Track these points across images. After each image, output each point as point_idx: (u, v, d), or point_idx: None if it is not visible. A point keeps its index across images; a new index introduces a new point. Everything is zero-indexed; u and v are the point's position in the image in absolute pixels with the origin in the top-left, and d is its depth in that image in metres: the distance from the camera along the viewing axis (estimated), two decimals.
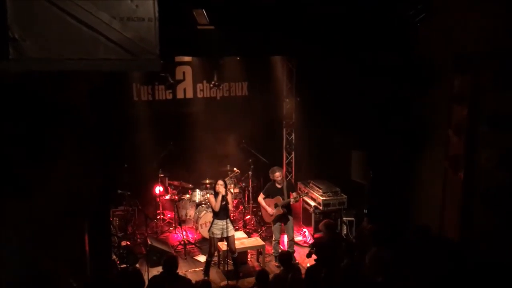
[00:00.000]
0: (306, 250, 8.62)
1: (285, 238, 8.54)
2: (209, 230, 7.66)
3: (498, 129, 6.33)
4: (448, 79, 6.95)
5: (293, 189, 8.54)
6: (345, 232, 8.93)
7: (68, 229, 4.93)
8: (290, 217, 8.25)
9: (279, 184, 8.17)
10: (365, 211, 8.35)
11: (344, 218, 9.03)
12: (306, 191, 9.28)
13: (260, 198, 8.32)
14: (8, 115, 4.56)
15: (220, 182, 7.48)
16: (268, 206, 8.19)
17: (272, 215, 8.16)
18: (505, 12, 5.97)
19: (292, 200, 8.14)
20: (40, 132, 4.83)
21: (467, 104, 6.71)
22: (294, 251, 8.33)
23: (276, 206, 8.14)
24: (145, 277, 6.28)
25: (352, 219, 8.97)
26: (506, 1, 5.99)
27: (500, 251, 6.30)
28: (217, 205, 7.38)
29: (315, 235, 9.06)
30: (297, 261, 8.17)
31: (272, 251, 8.34)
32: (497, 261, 6.20)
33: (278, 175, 8.14)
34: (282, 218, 8.19)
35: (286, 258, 6.32)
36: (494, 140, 6.40)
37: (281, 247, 8.41)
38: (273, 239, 8.35)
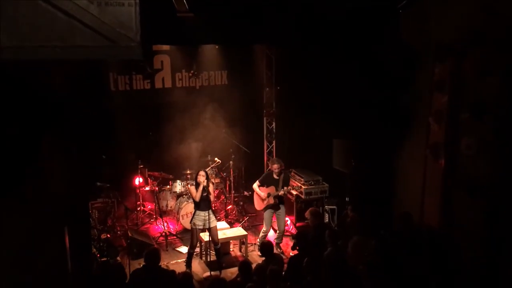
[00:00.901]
0: (289, 239, 8.67)
1: (271, 233, 8.52)
2: (191, 221, 7.57)
3: (478, 117, 6.37)
4: (429, 67, 6.95)
5: (288, 184, 8.48)
6: (327, 220, 8.96)
7: (47, 224, 4.78)
8: (282, 207, 8.23)
9: (276, 175, 8.13)
10: (347, 199, 8.38)
11: (326, 206, 9.06)
12: (298, 185, 9.22)
13: (255, 185, 8.28)
14: None
15: (202, 172, 7.39)
16: (261, 192, 8.15)
17: (264, 201, 8.12)
18: (486, 2, 5.97)
19: (281, 192, 8.10)
20: (13, 125, 4.65)
21: (447, 92, 6.73)
22: (281, 242, 8.32)
23: (268, 195, 8.12)
24: (127, 270, 6.20)
25: (334, 207, 9.02)
26: None
27: (480, 238, 6.38)
28: (197, 195, 7.29)
29: (298, 224, 9.07)
30: (281, 250, 8.17)
31: (257, 241, 8.30)
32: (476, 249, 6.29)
33: (276, 167, 8.11)
34: (273, 207, 8.17)
35: (267, 248, 6.30)
36: (474, 127, 6.44)
37: (268, 238, 8.37)
38: (262, 229, 8.30)
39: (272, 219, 8.31)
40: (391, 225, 7.21)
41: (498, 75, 6.04)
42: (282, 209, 8.23)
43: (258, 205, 8.35)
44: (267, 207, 8.16)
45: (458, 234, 6.64)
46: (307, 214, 7.37)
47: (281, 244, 8.34)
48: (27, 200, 4.64)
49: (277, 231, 8.34)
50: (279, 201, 8.16)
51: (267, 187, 8.16)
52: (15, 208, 4.59)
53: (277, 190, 8.07)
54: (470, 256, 6.18)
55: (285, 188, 8.09)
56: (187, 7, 5.88)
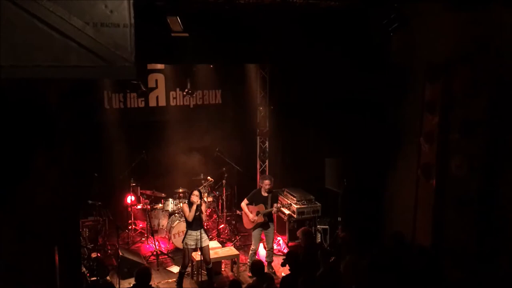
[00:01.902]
0: (281, 259, 8.62)
1: (261, 248, 8.47)
2: (183, 241, 7.53)
3: (468, 136, 6.46)
4: (420, 88, 7.06)
5: (277, 201, 8.49)
6: (319, 240, 8.94)
7: (37, 242, 4.75)
8: (271, 224, 8.21)
9: (265, 192, 8.12)
10: (339, 219, 8.39)
11: (318, 226, 9.05)
12: (287, 202, 9.24)
13: (243, 204, 8.24)
14: None
15: (195, 192, 7.38)
16: (250, 213, 8.13)
17: (253, 222, 8.10)
18: (473, 21, 6.11)
19: (274, 209, 8.11)
20: (5, 142, 4.65)
21: (438, 112, 6.83)
22: (272, 261, 8.27)
23: (258, 213, 8.10)
24: None
25: (326, 227, 9.00)
26: (475, 12, 6.14)
27: (471, 255, 6.41)
28: (190, 215, 7.27)
29: (290, 244, 9.04)
30: (273, 271, 8.13)
31: (248, 260, 8.26)
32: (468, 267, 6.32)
33: (267, 183, 8.10)
34: (263, 225, 8.14)
35: (258, 268, 6.26)
36: (464, 147, 6.53)
37: (258, 256, 8.33)
38: (251, 248, 8.27)
39: (261, 237, 8.27)
40: (383, 244, 7.21)
41: (487, 95, 6.15)
42: (271, 227, 8.21)
43: (247, 223, 8.32)
44: (256, 225, 8.14)
45: (450, 252, 6.67)
46: (298, 233, 7.36)
47: (273, 264, 8.29)
48: (16, 218, 4.61)
49: (267, 249, 8.29)
50: (268, 219, 8.14)
51: (255, 205, 8.15)
52: (4, 225, 4.56)
53: (266, 208, 8.06)
54: (462, 273, 6.20)
55: (275, 205, 8.09)
56: (182, 27, 5.96)
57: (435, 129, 6.90)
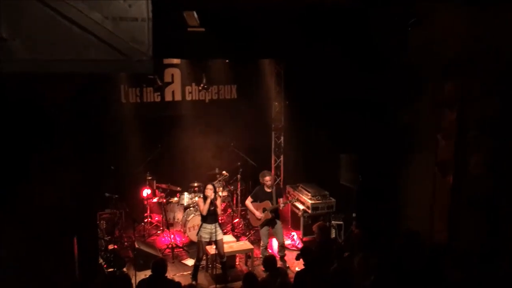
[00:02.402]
0: (295, 254, 8.64)
1: (274, 242, 8.51)
2: (197, 234, 7.60)
3: (486, 134, 6.38)
4: (437, 84, 6.98)
5: (281, 195, 8.53)
6: (333, 236, 8.93)
7: (56, 233, 4.84)
8: (278, 221, 8.23)
9: (268, 188, 8.14)
10: (354, 215, 8.36)
11: (332, 221, 9.03)
12: (296, 197, 9.26)
13: (248, 202, 8.29)
14: None
15: (209, 186, 7.43)
16: (256, 210, 8.15)
17: (260, 219, 8.13)
18: (492, 17, 6.03)
19: (281, 205, 8.13)
20: (25, 137, 4.74)
21: (455, 109, 6.75)
22: (285, 255, 8.30)
23: (264, 210, 8.11)
24: (133, 282, 6.22)
25: (341, 222, 8.99)
26: (492, 7, 6.05)
27: (487, 256, 6.34)
28: (205, 208, 7.33)
29: (304, 239, 9.05)
30: (287, 265, 8.15)
31: (260, 255, 8.29)
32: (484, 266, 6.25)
33: (268, 179, 8.13)
34: (270, 222, 8.17)
35: (270, 262, 6.27)
36: (482, 145, 6.44)
37: (269, 251, 8.37)
38: (261, 244, 8.31)
39: (269, 233, 8.29)
40: (398, 242, 7.17)
41: (502, 92, 6.07)
42: (278, 223, 8.23)
43: (254, 221, 8.36)
44: (264, 223, 8.16)
45: (466, 251, 6.61)
46: (314, 228, 7.36)
47: (286, 258, 8.30)
48: (36, 210, 4.70)
49: (278, 245, 8.30)
50: (275, 215, 8.15)
51: (260, 202, 8.17)
52: (24, 217, 4.66)
53: (272, 204, 8.08)
54: (479, 273, 6.14)
55: (280, 200, 8.10)
56: (198, 22, 5.98)
57: (452, 125, 6.82)
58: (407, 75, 7.38)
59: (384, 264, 5.87)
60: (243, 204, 9.95)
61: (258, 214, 8.12)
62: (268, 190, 8.14)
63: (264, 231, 8.22)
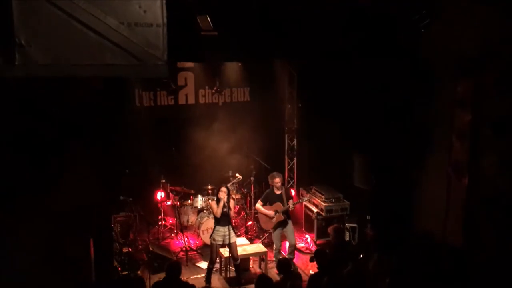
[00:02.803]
0: (309, 257, 8.63)
1: (287, 244, 8.51)
2: (210, 237, 7.62)
3: (501, 134, 6.31)
4: (451, 84, 6.93)
5: (290, 196, 8.54)
6: (347, 239, 8.89)
7: (73, 235, 4.90)
8: (289, 221, 8.24)
9: (278, 190, 8.15)
10: (368, 217, 8.32)
11: (346, 224, 8.99)
12: (307, 196, 9.26)
13: (258, 205, 8.31)
14: (7, 122, 4.55)
15: (223, 188, 7.46)
16: (268, 211, 8.16)
17: (272, 220, 8.13)
18: (507, 16, 5.97)
19: (291, 206, 8.14)
20: (42, 140, 4.81)
21: (470, 109, 6.68)
22: (294, 257, 8.29)
23: (276, 212, 8.12)
24: (147, 284, 6.26)
25: (355, 225, 8.94)
26: (507, 5, 6.00)
27: (504, 258, 6.27)
28: (218, 211, 7.35)
29: (318, 241, 9.03)
30: (298, 268, 8.14)
31: (274, 259, 8.29)
32: (500, 268, 6.18)
33: (278, 180, 8.15)
34: (281, 224, 8.18)
35: (284, 265, 6.27)
36: (497, 145, 6.38)
37: (283, 254, 8.36)
38: (274, 248, 8.31)
39: (281, 236, 8.28)
40: (413, 244, 7.12)
41: None
42: (290, 224, 8.24)
43: (266, 224, 8.36)
44: (276, 225, 8.16)
45: (482, 253, 6.54)
46: (330, 230, 7.33)
47: (299, 260, 8.29)
48: (55, 213, 4.77)
49: (289, 246, 8.30)
50: (286, 216, 8.16)
51: (270, 205, 8.17)
52: (41, 218, 4.73)
53: (283, 205, 8.08)
54: (494, 275, 6.07)
55: (290, 201, 8.11)
56: (211, 26, 6.02)
57: (467, 125, 6.76)
58: (422, 74, 7.35)
59: (400, 265, 5.84)
60: None
61: (271, 213, 8.12)
62: (278, 192, 8.16)
63: (276, 234, 8.23)
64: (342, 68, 8.18)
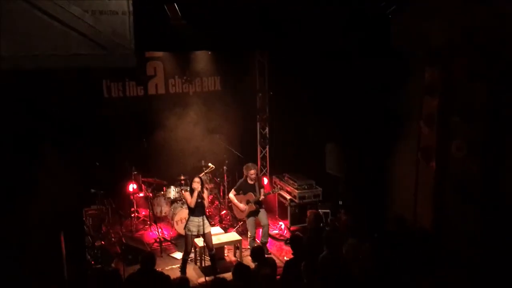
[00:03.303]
0: (283, 243, 8.72)
1: (261, 231, 8.57)
2: (185, 227, 7.59)
3: (468, 120, 6.47)
4: (420, 71, 7.04)
5: (262, 186, 8.59)
6: (321, 224, 8.99)
7: (42, 229, 4.80)
8: (263, 210, 8.32)
9: (251, 180, 8.20)
10: (340, 203, 8.44)
11: (319, 210, 9.08)
12: (279, 186, 9.31)
13: (232, 195, 8.34)
14: None
15: (196, 179, 7.42)
16: (239, 203, 8.21)
17: (243, 212, 8.20)
18: (475, 4, 6.09)
19: (262, 196, 8.20)
20: (8, 133, 4.68)
21: (438, 96, 6.82)
22: (267, 242, 8.37)
23: (248, 202, 8.17)
24: (122, 277, 6.19)
25: (328, 211, 9.05)
26: None
27: (472, 239, 6.46)
28: (192, 201, 7.32)
29: (291, 228, 9.11)
30: (269, 252, 8.22)
31: (248, 246, 8.33)
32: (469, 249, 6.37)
33: (253, 172, 8.19)
34: (254, 213, 8.23)
35: (257, 253, 6.30)
36: (464, 130, 6.54)
37: (258, 241, 8.41)
38: (248, 235, 8.35)
39: (255, 223, 8.34)
40: (385, 228, 7.26)
41: (487, 78, 6.15)
42: (263, 212, 8.31)
43: (239, 213, 8.43)
44: (249, 214, 8.23)
45: (451, 235, 6.72)
46: (309, 214, 7.38)
47: (274, 247, 8.37)
48: (23, 207, 4.66)
49: (262, 229, 8.36)
50: (259, 205, 8.23)
51: (244, 194, 8.23)
52: (10, 213, 4.62)
53: (255, 195, 8.14)
54: (464, 257, 6.26)
55: (262, 191, 8.18)
56: (180, 15, 5.93)
57: (435, 112, 6.90)
58: (391, 62, 7.44)
59: (373, 250, 5.94)
60: None
61: (242, 206, 8.21)
62: (251, 182, 8.21)
63: (250, 221, 8.28)
64: (313, 56, 8.20)
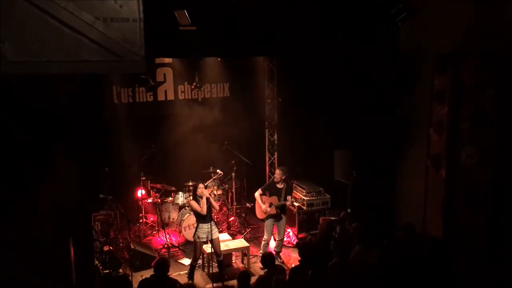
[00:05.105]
0: (291, 251, 8.68)
1: (272, 239, 8.54)
2: (194, 235, 7.57)
3: (478, 126, 6.44)
4: (429, 78, 7.02)
5: (291, 193, 8.51)
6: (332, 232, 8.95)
7: (52, 235, 4.82)
8: (284, 217, 8.26)
9: (279, 184, 8.15)
10: (349, 210, 8.39)
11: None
12: (292, 200, 9.26)
13: (257, 194, 8.27)
14: None
15: (201, 185, 7.42)
16: (263, 203, 8.16)
17: (265, 213, 8.15)
18: (483, 11, 6.07)
19: (288, 202, 8.17)
20: (18, 138, 4.72)
21: (447, 103, 6.79)
22: (281, 251, 8.33)
23: (271, 205, 8.13)
24: None
25: (336, 218, 9.00)
26: (484, 1, 6.10)
27: (482, 246, 6.40)
28: (203, 208, 7.30)
29: (299, 235, 9.07)
30: (281, 260, 8.17)
31: (260, 251, 8.29)
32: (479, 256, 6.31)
33: (277, 172, 8.21)
34: (275, 216, 8.18)
35: (268, 259, 6.28)
36: (474, 137, 6.50)
37: (270, 248, 8.38)
38: (263, 238, 8.30)
39: (273, 227, 8.31)
40: (394, 235, 7.22)
41: (496, 84, 6.12)
42: (283, 218, 8.25)
43: (259, 213, 8.36)
44: (269, 216, 8.18)
45: (460, 243, 6.66)
46: (322, 222, 7.36)
47: (282, 254, 8.34)
48: (31, 211, 4.68)
49: (277, 239, 8.33)
50: (281, 211, 8.17)
51: (269, 195, 8.18)
52: (20, 218, 4.64)
53: (279, 200, 8.09)
54: (472, 265, 6.20)
55: (288, 197, 8.13)
56: (189, 21, 5.97)
57: (444, 119, 6.87)
58: (401, 70, 7.43)
59: (382, 258, 5.90)
60: (238, 203, 9.98)
61: (265, 207, 8.13)
62: (279, 186, 8.15)
63: (268, 224, 8.20)
64: (322, 63, 8.21)
